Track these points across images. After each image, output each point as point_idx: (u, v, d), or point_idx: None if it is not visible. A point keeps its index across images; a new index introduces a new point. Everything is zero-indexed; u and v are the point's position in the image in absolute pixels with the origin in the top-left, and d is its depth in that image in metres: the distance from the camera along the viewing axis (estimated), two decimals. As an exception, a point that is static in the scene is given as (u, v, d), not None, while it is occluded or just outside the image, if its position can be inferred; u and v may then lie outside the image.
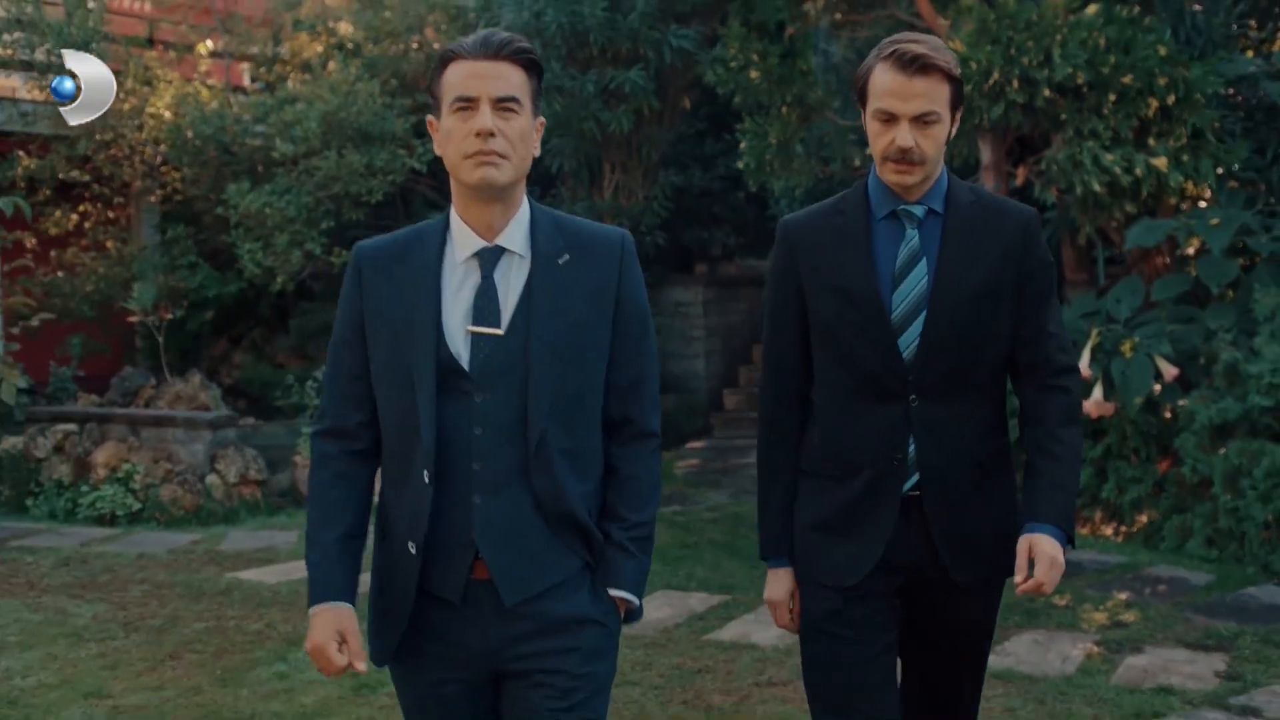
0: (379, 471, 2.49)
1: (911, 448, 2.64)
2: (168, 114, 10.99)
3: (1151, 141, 7.60)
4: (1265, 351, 6.71)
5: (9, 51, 10.67)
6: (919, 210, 2.67)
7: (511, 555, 2.34)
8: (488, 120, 2.29)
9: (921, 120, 2.56)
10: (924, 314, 2.62)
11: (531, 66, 2.36)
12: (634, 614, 2.47)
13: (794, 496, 2.80)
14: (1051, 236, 8.91)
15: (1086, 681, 5.07)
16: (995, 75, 7.58)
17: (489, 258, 2.38)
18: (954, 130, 2.64)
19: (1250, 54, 8.83)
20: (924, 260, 2.64)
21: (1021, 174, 8.48)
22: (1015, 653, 5.41)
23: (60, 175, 11.07)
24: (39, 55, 10.44)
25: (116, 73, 10.57)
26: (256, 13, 12.59)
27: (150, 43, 12.34)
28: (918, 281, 2.64)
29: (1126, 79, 7.48)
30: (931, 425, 2.64)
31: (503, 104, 2.31)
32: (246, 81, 12.93)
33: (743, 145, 9.58)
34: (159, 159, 11.34)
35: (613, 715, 2.50)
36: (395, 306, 2.38)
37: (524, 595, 2.35)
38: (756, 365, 11.42)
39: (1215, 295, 7.50)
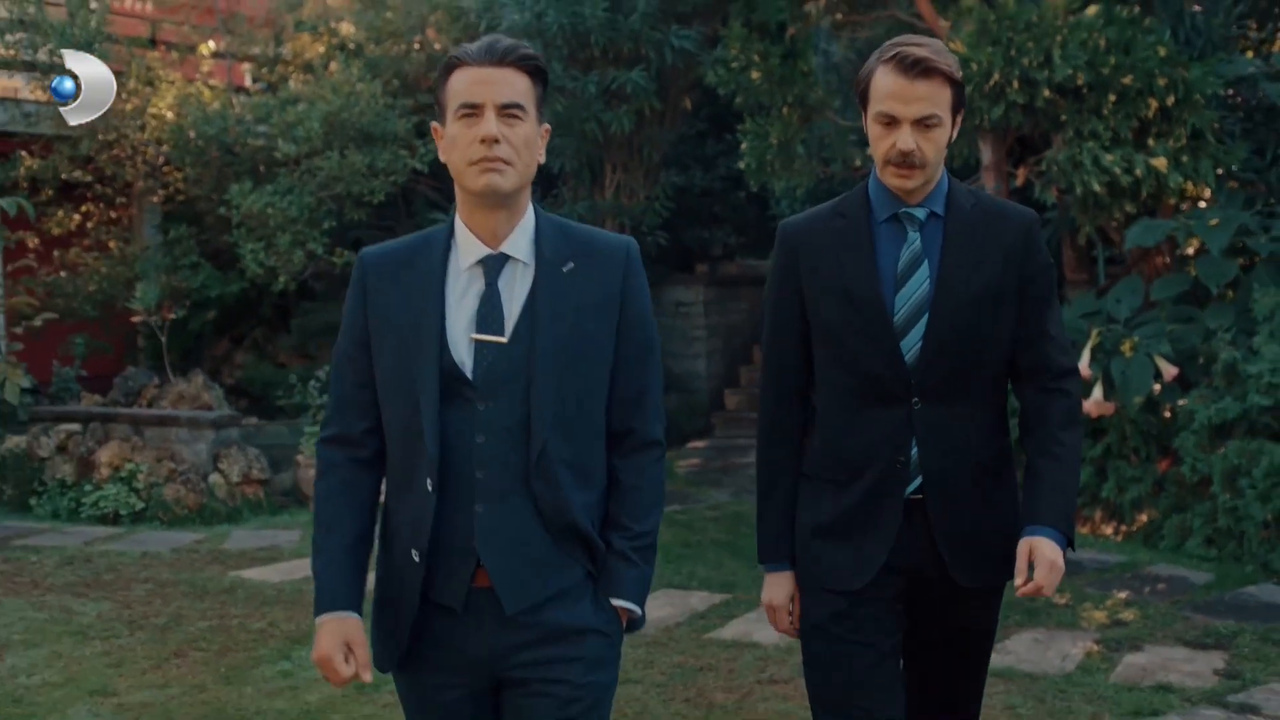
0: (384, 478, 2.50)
1: (914, 450, 2.64)
2: (170, 114, 11.01)
3: (1151, 142, 7.63)
4: (1264, 351, 6.74)
5: (11, 52, 10.68)
6: (920, 213, 2.67)
7: (513, 563, 2.34)
8: (493, 127, 2.28)
9: (923, 123, 2.56)
10: (926, 317, 2.62)
11: (536, 73, 2.35)
12: (636, 624, 2.46)
13: (794, 499, 2.79)
14: (1052, 237, 8.94)
15: (1086, 679, 5.10)
16: (996, 76, 7.61)
17: (493, 265, 2.37)
18: (955, 133, 2.64)
19: (1250, 55, 8.86)
20: (926, 263, 2.64)
21: (1022, 174, 8.51)
22: (1015, 651, 5.44)
23: (63, 175, 11.10)
24: (41, 56, 10.46)
25: (119, 73, 10.68)
26: (258, 13, 12.61)
27: (152, 43, 12.36)
28: (920, 284, 2.64)
29: (1126, 80, 7.50)
30: (934, 428, 2.64)
31: (507, 110, 2.30)
32: (248, 82, 12.95)
33: (744, 145, 9.61)
34: (161, 159, 11.36)
35: (615, 713, 2.51)
36: (399, 314, 2.38)
37: (525, 604, 2.34)
38: (757, 365, 11.43)
39: (1214, 295, 7.52)
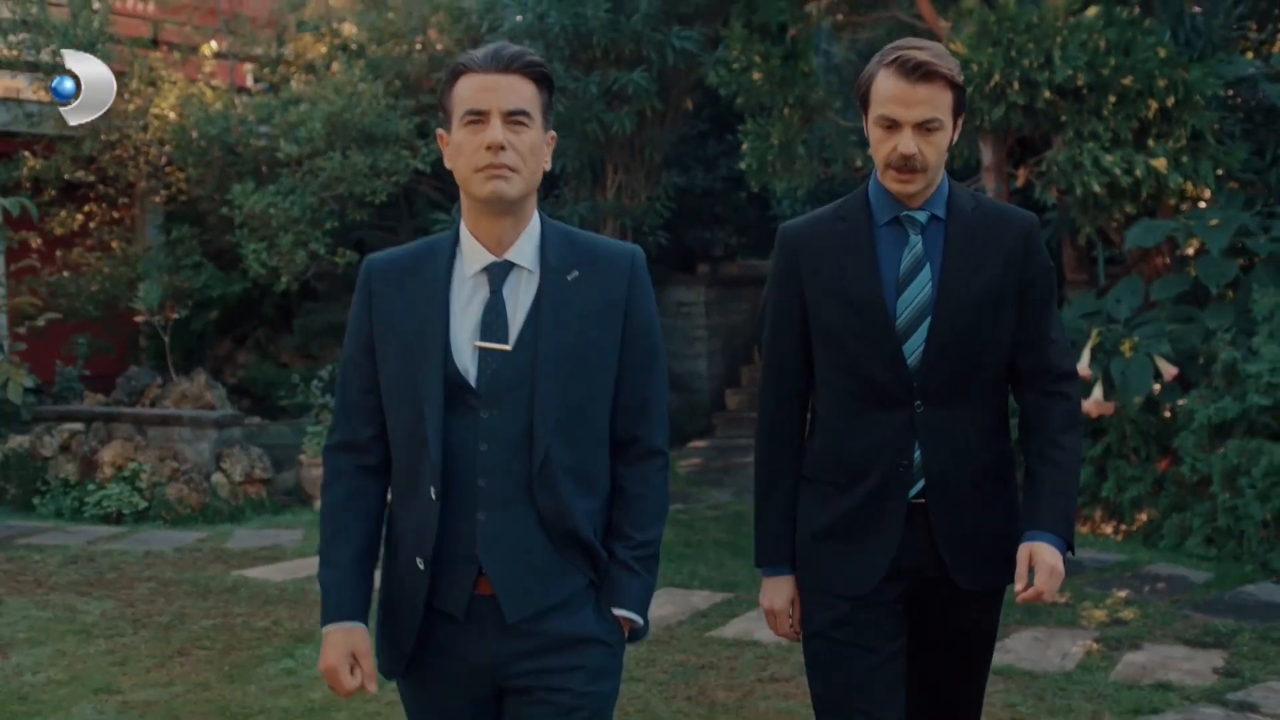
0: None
1: (917, 454, 2.64)
2: (172, 115, 11.04)
3: (1151, 143, 7.65)
4: (1263, 351, 6.76)
5: (14, 53, 10.71)
6: (922, 216, 2.67)
7: (514, 571, 2.33)
8: (498, 134, 2.28)
9: (924, 127, 2.56)
10: (928, 320, 2.62)
11: (542, 80, 2.35)
12: (638, 633, 2.45)
13: (793, 502, 2.78)
14: (1052, 237, 8.96)
15: (1086, 678, 5.13)
16: (996, 77, 7.63)
17: (498, 272, 2.36)
18: (955, 137, 2.65)
19: (1250, 56, 8.87)
20: (927, 266, 2.64)
21: (1022, 175, 8.53)
22: (1015, 649, 5.46)
23: (65, 175, 11.13)
24: (44, 56, 10.47)
25: (121, 74, 10.72)
26: (260, 14, 12.63)
27: (155, 44, 12.39)
28: (922, 288, 2.64)
29: (1126, 81, 7.52)
30: (936, 431, 2.64)
31: (513, 117, 2.29)
32: (250, 82, 12.97)
33: (745, 146, 9.63)
34: (163, 159, 11.39)
35: (617, 712, 2.52)
36: (404, 320, 2.37)
37: (526, 612, 2.34)
38: (758, 365, 11.47)
39: (1214, 295, 7.54)
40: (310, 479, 9.53)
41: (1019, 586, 2.57)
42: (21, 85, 11.39)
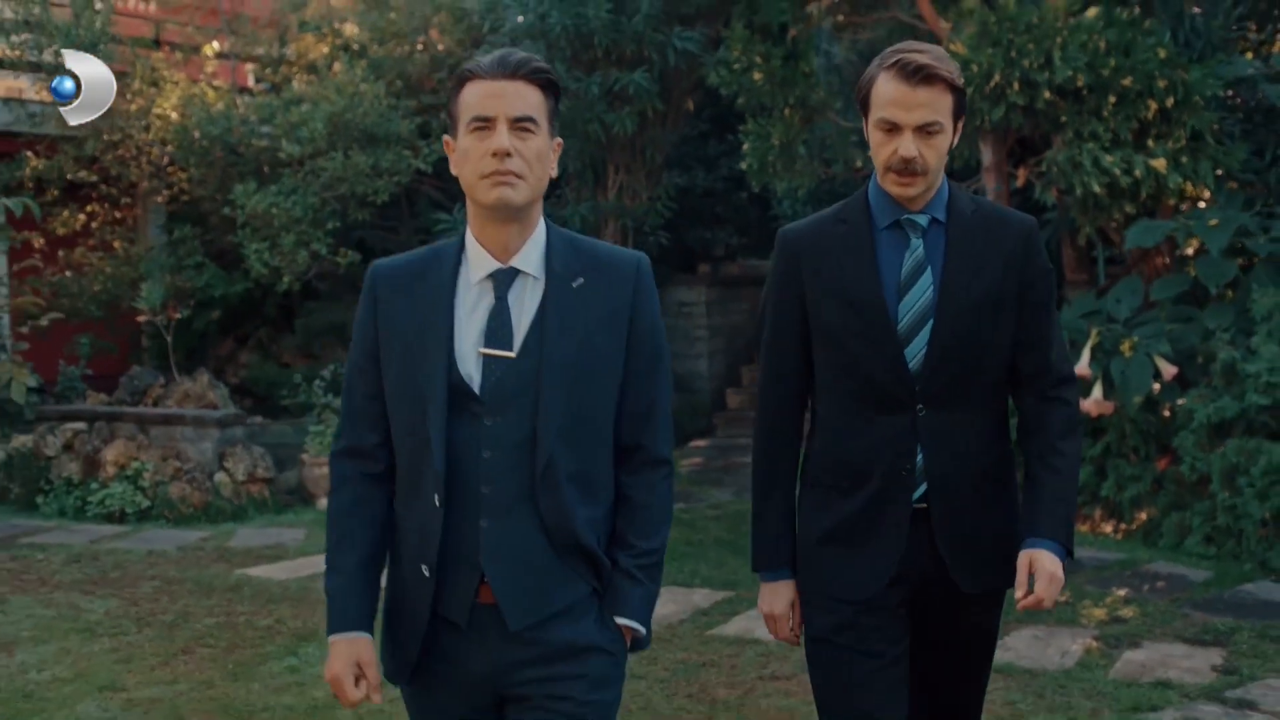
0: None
1: (919, 457, 2.64)
2: (174, 115, 11.06)
3: (1151, 143, 7.67)
4: (1262, 351, 6.79)
5: (17, 53, 10.74)
6: (923, 220, 2.67)
7: (517, 579, 2.32)
8: (504, 140, 2.27)
9: (924, 130, 2.56)
10: (930, 323, 2.62)
11: (549, 87, 2.34)
12: (640, 643, 2.44)
13: (792, 505, 2.77)
14: (1052, 237, 8.99)
15: (1085, 675, 5.15)
16: (996, 77, 7.65)
17: (503, 279, 2.36)
18: (956, 140, 2.65)
19: (1249, 56, 8.90)
20: (929, 270, 2.65)
21: (1022, 175, 8.56)
22: (1015, 647, 5.48)
23: (68, 175, 11.17)
24: (47, 56, 10.49)
25: (123, 74, 10.75)
26: (262, 14, 12.65)
27: (157, 44, 12.41)
28: (923, 291, 2.64)
29: (1126, 81, 7.55)
30: (939, 434, 2.64)
31: (520, 124, 2.29)
32: (251, 82, 13.00)
33: (746, 146, 9.65)
34: (166, 159, 11.41)
35: (619, 709, 2.53)
36: (409, 326, 2.37)
37: (529, 620, 2.33)
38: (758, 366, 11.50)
39: (1214, 295, 7.57)
40: (312, 478, 9.56)
41: (1019, 594, 2.58)
42: (24, 85, 11.41)
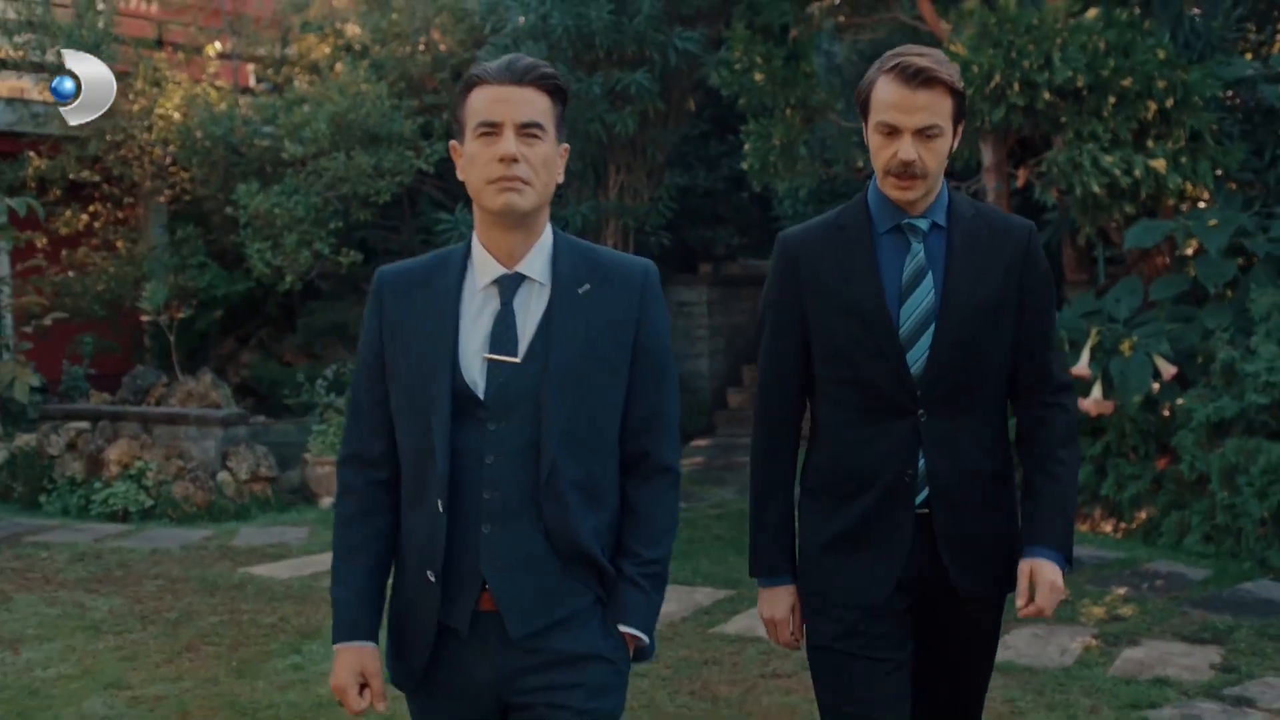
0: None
1: (921, 463, 2.64)
2: (177, 115, 11.10)
3: (1150, 143, 7.69)
4: (1261, 350, 6.81)
5: (20, 53, 10.79)
6: (923, 224, 2.66)
7: (518, 587, 2.30)
8: (511, 145, 2.26)
9: (924, 133, 2.55)
10: (932, 328, 2.62)
11: (556, 92, 2.33)
12: (644, 652, 2.42)
13: (790, 511, 2.76)
14: (1052, 237, 9.01)
15: (1084, 673, 5.18)
16: (996, 78, 7.68)
17: (509, 285, 2.35)
18: (956, 144, 2.64)
19: (1248, 57, 8.92)
20: (930, 275, 2.64)
21: (1022, 175, 8.58)
22: (1015, 645, 5.51)
23: (71, 175, 11.21)
24: (50, 57, 10.53)
25: (126, 74, 10.78)
26: (264, 14, 12.68)
27: (159, 44, 12.45)
28: (925, 296, 2.63)
29: (1126, 82, 7.57)
30: (941, 440, 2.64)
31: (527, 129, 2.27)
32: (253, 83, 13.03)
33: (747, 146, 9.68)
34: (168, 159, 11.45)
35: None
36: (414, 331, 2.35)
37: (530, 628, 2.31)
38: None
39: (1213, 295, 7.59)
40: (315, 477, 9.60)
41: (1020, 603, 2.61)
42: (27, 85, 11.46)
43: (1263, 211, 7.94)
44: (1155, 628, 5.79)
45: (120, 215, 12.04)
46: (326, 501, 9.33)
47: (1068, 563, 2.65)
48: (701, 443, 11.68)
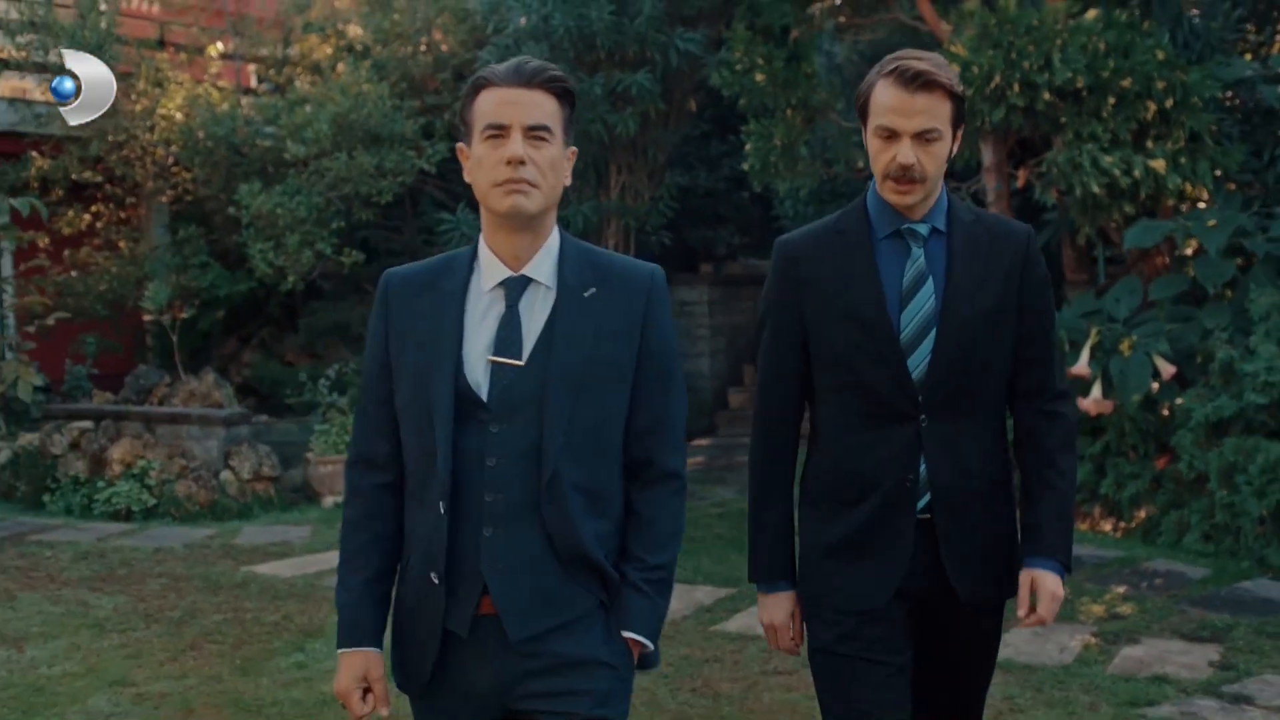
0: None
1: (923, 468, 2.63)
2: (179, 115, 11.12)
3: (1150, 144, 7.72)
4: (1260, 350, 6.83)
5: (22, 53, 10.81)
6: (923, 229, 2.66)
7: (518, 590, 2.29)
8: (518, 148, 2.25)
9: (923, 137, 2.55)
10: (933, 333, 2.61)
11: (564, 95, 2.32)
12: (648, 658, 2.41)
13: (790, 514, 2.76)
14: (1052, 237, 9.03)
15: (1084, 671, 5.21)
16: (996, 79, 7.70)
17: (514, 287, 2.34)
18: (955, 148, 2.63)
19: (1248, 58, 8.95)
20: (930, 280, 2.63)
21: (1022, 176, 8.60)
22: (1014, 643, 5.53)
23: (73, 176, 11.23)
24: (52, 57, 10.55)
25: (128, 74, 10.81)
26: (267, 15, 12.71)
27: (161, 45, 12.47)
28: (925, 301, 2.62)
29: (1125, 83, 7.59)
30: (942, 445, 2.63)
31: (534, 132, 2.27)
32: (255, 83, 13.05)
33: (748, 147, 9.70)
34: (170, 160, 11.48)
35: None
36: (419, 333, 2.35)
37: (530, 632, 2.29)
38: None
39: (1212, 295, 7.61)
40: (317, 476, 9.63)
41: (1022, 612, 2.63)
42: (29, 86, 11.48)
43: (1262, 212, 7.96)
44: (1154, 626, 5.81)
45: (122, 215, 12.06)
46: (329, 500, 9.36)
47: (1067, 570, 2.67)
48: (703, 442, 11.72)
